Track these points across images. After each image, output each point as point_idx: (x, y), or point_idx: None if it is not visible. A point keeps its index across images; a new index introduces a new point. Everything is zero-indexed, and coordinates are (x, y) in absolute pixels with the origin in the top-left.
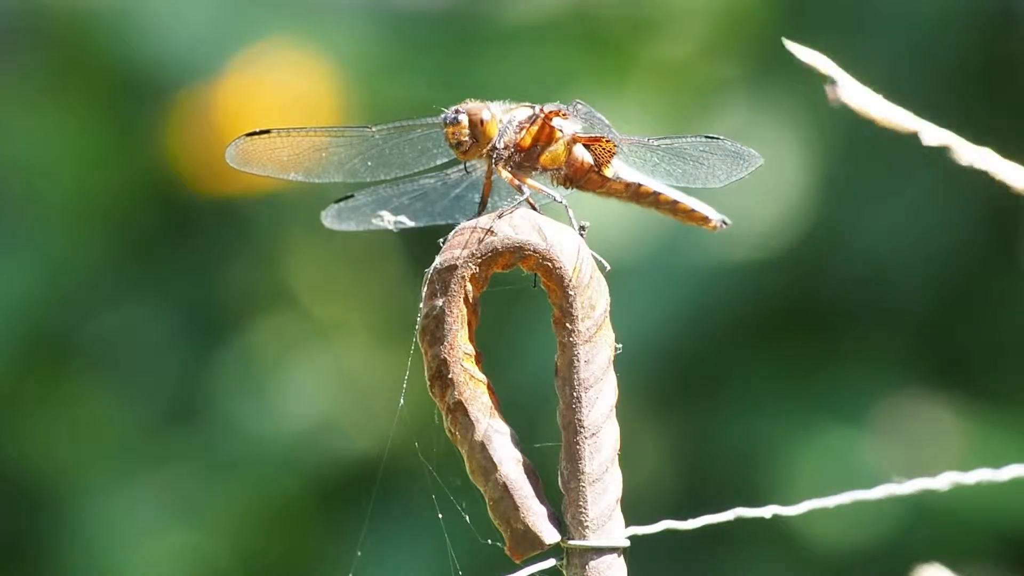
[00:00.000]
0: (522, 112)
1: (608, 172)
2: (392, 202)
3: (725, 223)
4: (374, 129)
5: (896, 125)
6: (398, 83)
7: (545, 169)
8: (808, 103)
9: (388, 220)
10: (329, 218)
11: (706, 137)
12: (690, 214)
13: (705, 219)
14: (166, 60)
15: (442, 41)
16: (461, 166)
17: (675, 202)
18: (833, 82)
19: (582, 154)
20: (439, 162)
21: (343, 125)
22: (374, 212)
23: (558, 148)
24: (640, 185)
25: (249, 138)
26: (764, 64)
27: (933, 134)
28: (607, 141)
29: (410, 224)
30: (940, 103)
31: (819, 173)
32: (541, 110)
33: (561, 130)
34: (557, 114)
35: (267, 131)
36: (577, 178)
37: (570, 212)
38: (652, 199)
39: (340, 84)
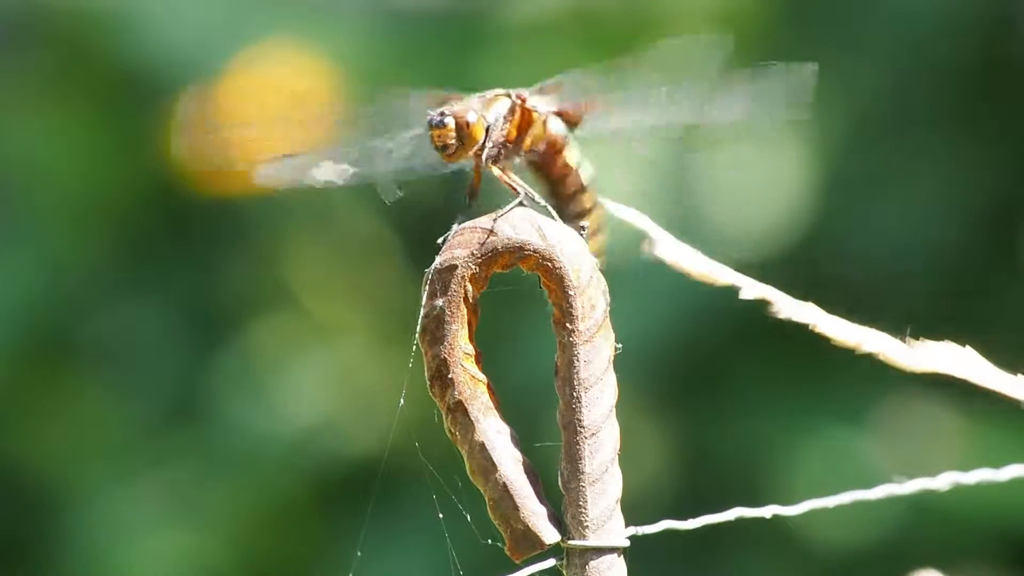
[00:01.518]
0: (502, 105)
1: (571, 160)
2: (330, 168)
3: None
4: (333, 112)
5: (713, 280)
6: (398, 83)
7: (528, 151)
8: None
9: (318, 179)
10: (261, 176)
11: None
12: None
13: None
14: (166, 60)
15: (442, 41)
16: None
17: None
18: (649, 239)
19: (555, 126)
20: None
21: (296, 115)
22: (305, 172)
23: (537, 128)
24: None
25: (200, 139)
26: (764, 64)
27: (751, 288)
28: (583, 106)
29: (340, 183)
30: (939, 103)
31: (819, 173)
32: (518, 96)
33: (536, 109)
34: (526, 99)
35: (218, 130)
36: (550, 154)
37: (554, 213)
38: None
39: (341, 84)
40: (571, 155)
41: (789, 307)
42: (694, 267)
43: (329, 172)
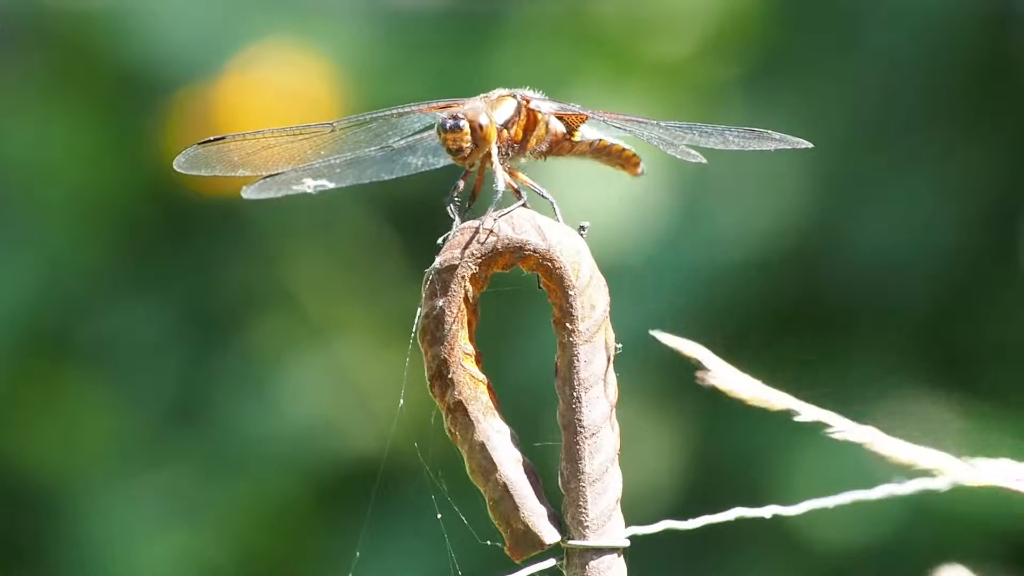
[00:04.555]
0: (509, 105)
1: (576, 136)
2: (322, 172)
3: (644, 171)
4: (336, 124)
5: (768, 404)
6: (398, 83)
7: (531, 151)
8: (807, 103)
9: (309, 185)
10: (250, 191)
11: (749, 130)
12: (629, 159)
13: (636, 164)
14: (166, 60)
15: (442, 41)
16: (402, 138)
17: (623, 150)
18: (702, 367)
19: (556, 125)
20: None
21: (301, 125)
22: (297, 180)
23: (541, 129)
24: (600, 140)
25: (202, 147)
26: (764, 64)
27: (808, 412)
28: (581, 115)
29: (331, 186)
30: (940, 103)
31: (819, 172)
32: (523, 98)
33: (539, 110)
34: (530, 100)
35: (222, 138)
36: (552, 149)
37: (556, 208)
38: (605, 151)
39: (340, 84)
40: (579, 134)
41: (849, 429)
42: (747, 392)
43: (317, 181)
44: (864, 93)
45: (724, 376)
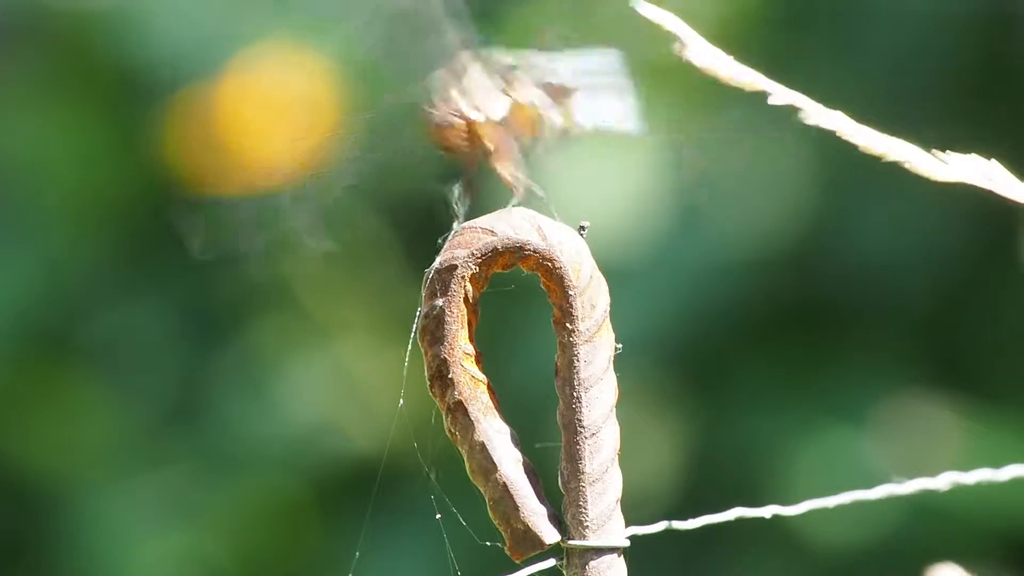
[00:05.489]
0: (506, 103)
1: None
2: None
3: None
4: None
5: (743, 84)
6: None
7: (530, 148)
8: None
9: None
10: None
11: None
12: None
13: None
14: (166, 60)
15: None
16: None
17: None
18: (680, 41)
19: (554, 120)
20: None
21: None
22: None
23: (539, 125)
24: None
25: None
26: (764, 64)
27: (781, 94)
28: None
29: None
30: (939, 104)
31: (819, 172)
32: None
33: (533, 102)
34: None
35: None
36: (551, 146)
37: (555, 208)
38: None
39: (340, 84)
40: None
41: (818, 115)
42: (724, 71)
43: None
44: (864, 93)
45: (701, 52)
